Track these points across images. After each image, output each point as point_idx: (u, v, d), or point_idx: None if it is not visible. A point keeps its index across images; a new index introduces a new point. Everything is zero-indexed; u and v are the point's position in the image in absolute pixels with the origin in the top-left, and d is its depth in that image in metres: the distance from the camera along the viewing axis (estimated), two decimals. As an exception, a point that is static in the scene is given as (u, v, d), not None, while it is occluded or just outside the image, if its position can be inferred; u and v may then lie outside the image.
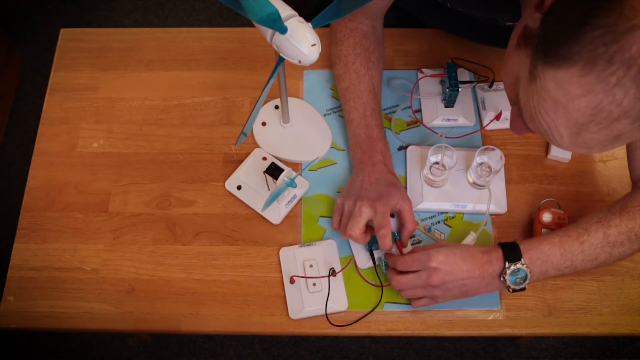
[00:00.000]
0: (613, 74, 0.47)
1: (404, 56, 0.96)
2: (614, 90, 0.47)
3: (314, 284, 0.77)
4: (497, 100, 0.89)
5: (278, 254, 0.82)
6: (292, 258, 0.80)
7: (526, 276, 0.69)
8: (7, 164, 1.67)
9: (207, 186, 0.87)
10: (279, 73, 0.74)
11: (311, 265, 0.79)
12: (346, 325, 0.77)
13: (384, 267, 0.79)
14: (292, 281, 0.79)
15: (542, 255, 0.70)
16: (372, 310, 0.77)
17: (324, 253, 0.80)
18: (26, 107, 1.75)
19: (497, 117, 0.88)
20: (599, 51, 0.46)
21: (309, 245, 0.81)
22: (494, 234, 0.83)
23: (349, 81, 0.85)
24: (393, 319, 0.77)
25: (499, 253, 0.70)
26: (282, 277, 0.80)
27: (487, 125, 0.89)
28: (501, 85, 0.91)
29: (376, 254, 0.80)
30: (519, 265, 0.68)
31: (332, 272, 0.79)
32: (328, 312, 0.77)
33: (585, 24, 0.47)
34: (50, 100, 0.93)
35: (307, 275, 0.78)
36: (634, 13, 0.45)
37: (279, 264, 0.81)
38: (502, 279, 0.69)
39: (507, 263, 0.69)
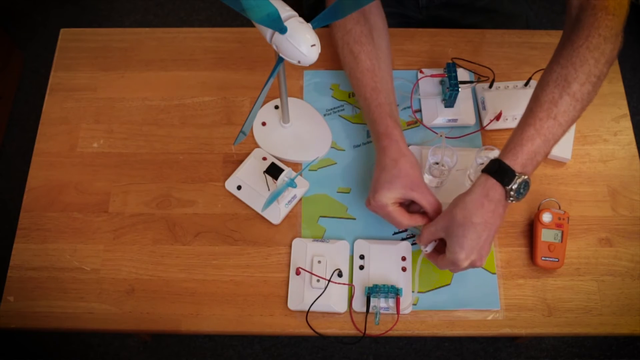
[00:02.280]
0: None
1: (404, 56, 0.96)
2: None
3: (318, 280, 0.77)
4: (497, 100, 0.89)
5: (278, 254, 0.82)
6: (303, 250, 0.80)
7: (528, 183, 0.68)
8: (7, 164, 1.67)
9: (207, 186, 0.87)
10: (278, 73, 0.74)
11: (319, 262, 0.79)
12: (346, 325, 0.77)
13: (377, 320, 0.76)
14: (297, 272, 0.79)
15: (529, 154, 0.68)
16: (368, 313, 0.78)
17: (334, 253, 0.80)
18: (26, 107, 1.75)
19: (497, 117, 0.88)
20: None
21: (322, 241, 0.81)
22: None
23: (349, 65, 0.84)
24: (393, 319, 0.77)
25: (495, 187, 0.68)
26: (282, 277, 0.80)
27: (487, 125, 0.89)
28: (501, 85, 0.91)
29: (373, 302, 0.77)
30: (518, 182, 0.67)
31: (338, 273, 0.79)
32: (328, 311, 0.78)
33: None
34: (50, 100, 0.93)
35: (313, 271, 0.78)
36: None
37: (279, 263, 0.81)
38: (510, 200, 0.69)
39: (506, 188, 0.68)
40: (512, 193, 0.68)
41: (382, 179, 0.75)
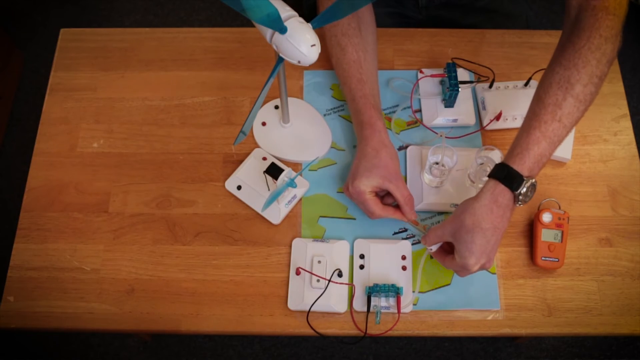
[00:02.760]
0: None
1: (404, 56, 0.96)
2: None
3: (318, 280, 0.77)
4: (497, 100, 0.89)
5: (278, 254, 0.82)
6: (303, 250, 0.80)
7: (535, 185, 0.69)
8: (7, 164, 1.67)
9: (207, 186, 0.87)
10: (278, 73, 0.74)
11: (319, 262, 0.79)
12: (346, 325, 0.77)
13: (378, 319, 0.76)
14: (297, 272, 0.79)
15: (536, 157, 0.69)
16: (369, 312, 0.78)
17: (334, 252, 0.80)
18: (26, 107, 1.75)
19: (497, 117, 0.88)
20: None
21: (322, 241, 0.81)
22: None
23: (336, 56, 0.86)
24: (393, 319, 0.77)
25: (504, 193, 0.68)
26: (282, 277, 0.80)
27: (487, 125, 0.89)
28: (501, 85, 0.91)
29: (374, 301, 0.77)
30: (527, 186, 0.68)
31: (338, 273, 0.79)
32: (328, 311, 0.78)
33: None
34: (50, 100, 0.93)
35: (313, 271, 0.78)
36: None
37: (279, 263, 0.81)
38: (518, 204, 0.69)
39: (515, 193, 0.68)
40: (520, 197, 0.68)
41: (362, 166, 0.78)
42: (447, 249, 0.75)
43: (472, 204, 0.70)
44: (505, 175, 0.69)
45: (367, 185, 0.77)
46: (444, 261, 0.74)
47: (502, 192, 0.68)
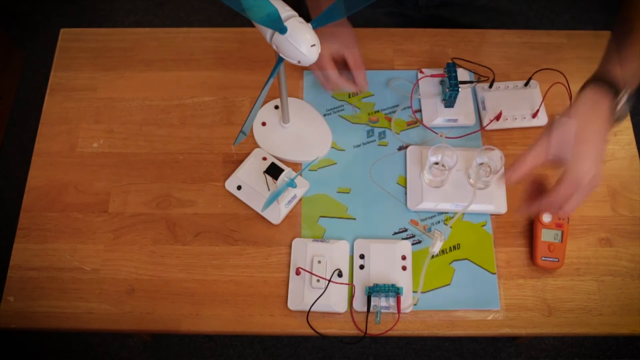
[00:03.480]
0: None
1: (404, 56, 0.96)
2: None
3: (318, 281, 0.77)
4: (497, 100, 0.89)
5: (278, 254, 0.82)
6: (303, 250, 0.80)
7: (631, 100, 0.68)
8: (7, 164, 1.67)
9: (207, 186, 0.87)
10: (278, 73, 0.74)
11: (319, 262, 0.79)
12: (346, 325, 0.77)
13: (378, 319, 0.76)
14: (297, 272, 0.79)
15: (632, 71, 0.67)
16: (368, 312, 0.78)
17: (334, 252, 0.80)
18: (26, 107, 1.75)
19: (497, 117, 0.88)
20: None
21: (322, 241, 0.81)
22: (494, 235, 0.83)
23: None
24: (393, 319, 0.77)
25: (604, 99, 0.66)
26: (282, 277, 0.80)
27: (487, 125, 0.89)
28: (501, 85, 0.91)
29: (374, 301, 0.77)
30: (627, 96, 0.66)
31: (338, 273, 0.79)
32: (328, 311, 0.78)
33: None
34: (50, 100, 0.93)
35: (313, 271, 0.78)
36: None
37: (279, 263, 0.81)
38: (615, 118, 0.68)
39: (615, 100, 0.66)
40: (618, 108, 0.66)
41: (323, 35, 0.82)
42: (533, 194, 0.71)
43: (575, 109, 0.67)
44: (604, 78, 0.67)
45: (327, 48, 0.85)
46: (541, 203, 0.70)
47: (603, 96, 0.66)
